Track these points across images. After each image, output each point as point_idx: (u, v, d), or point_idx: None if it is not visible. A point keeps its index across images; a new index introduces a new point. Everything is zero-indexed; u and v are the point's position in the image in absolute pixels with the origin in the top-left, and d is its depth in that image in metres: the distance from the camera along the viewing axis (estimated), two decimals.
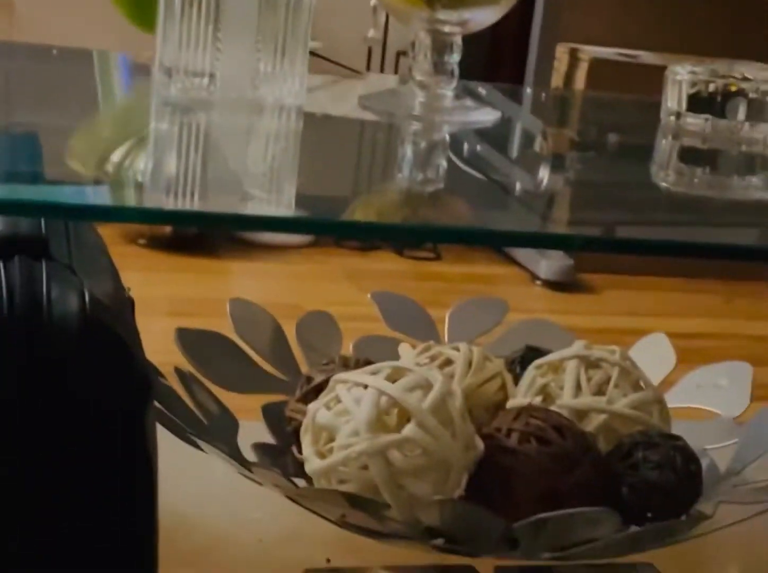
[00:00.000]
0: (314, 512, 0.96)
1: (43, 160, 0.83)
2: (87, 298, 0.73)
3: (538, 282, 2.32)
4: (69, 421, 0.74)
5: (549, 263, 2.32)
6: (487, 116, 1.02)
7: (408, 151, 0.97)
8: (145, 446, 0.76)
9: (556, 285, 2.31)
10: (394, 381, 0.96)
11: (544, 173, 0.97)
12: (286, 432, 1.06)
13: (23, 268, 0.74)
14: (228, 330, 1.14)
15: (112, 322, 0.74)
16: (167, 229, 2.27)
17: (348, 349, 1.19)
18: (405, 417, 0.94)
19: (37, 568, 0.74)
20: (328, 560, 0.96)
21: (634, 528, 0.95)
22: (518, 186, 0.93)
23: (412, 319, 1.24)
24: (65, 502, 0.74)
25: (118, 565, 0.76)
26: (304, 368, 1.14)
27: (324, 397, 0.97)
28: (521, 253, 2.40)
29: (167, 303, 1.99)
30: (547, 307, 2.24)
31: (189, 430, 0.97)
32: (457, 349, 1.09)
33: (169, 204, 0.76)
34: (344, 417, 0.95)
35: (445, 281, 2.25)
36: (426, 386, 0.96)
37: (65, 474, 0.73)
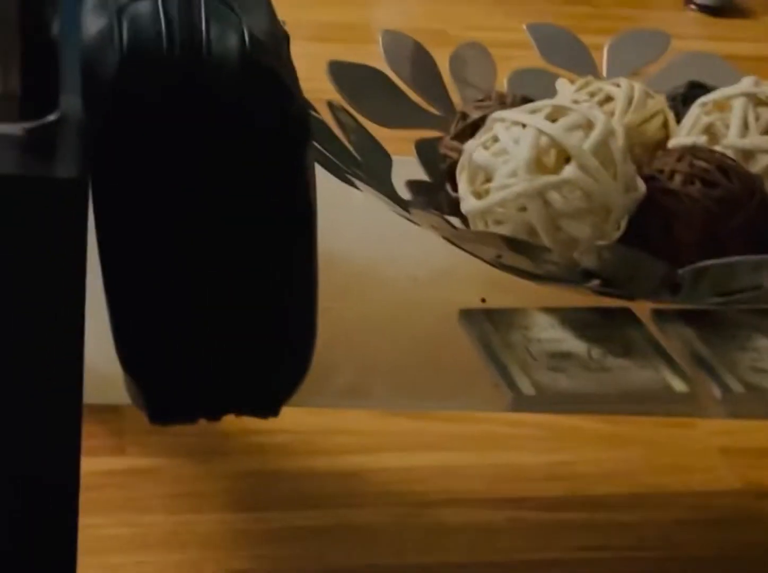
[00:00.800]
0: (469, 252, 0.95)
1: None
2: (247, 37, 0.70)
3: (693, 6, 2.22)
4: (228, 163, 0.72)
5: None
6: None
7: None
8: (305, 191, 0.74)
9: (711, 9, 2.21)
10: (554, 120, 0.92)
11: None
12: (439, 169, 1.04)
13: (181, 3, 0.71)
14: (373, 58, 1.10)
15: (272, 62, 0.72)
16: None
17: (501, 81, 1.15)
18: (564, 157, 0.92)
19: (206, 312, 0.75)
20: (483, 300, 0.95)
21: None
22: None
23: (569, 51, 1.19)
24: (228, 242, 0.73)
25: (281, 291, 0.76)
26: (458, 104, 1.10)
27: (481, 136, 0.95)
28: None
29: (311, 27, 1.95)
30: (701, 32, 2.15)
31: (344, 167, 0.96)
32: (617, 86, 1.04)
33: None
34: (502, 157, 0.92)
35: (595, 6, 2.17)
36: (587, 126, 0.92)
37: (232, 218, 0.73)
